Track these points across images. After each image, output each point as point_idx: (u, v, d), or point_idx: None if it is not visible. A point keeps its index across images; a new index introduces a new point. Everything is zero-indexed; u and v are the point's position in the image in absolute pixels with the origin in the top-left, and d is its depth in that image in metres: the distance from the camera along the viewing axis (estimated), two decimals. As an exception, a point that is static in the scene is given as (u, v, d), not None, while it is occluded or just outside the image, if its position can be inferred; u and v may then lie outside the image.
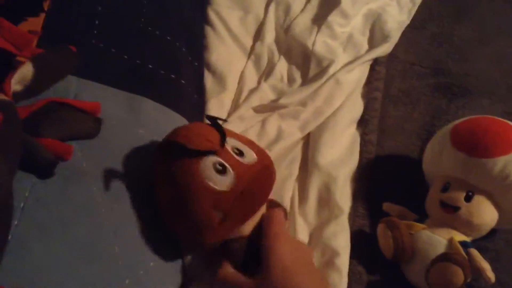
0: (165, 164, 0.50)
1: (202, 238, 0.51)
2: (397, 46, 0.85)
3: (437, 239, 0.59)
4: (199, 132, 0.52)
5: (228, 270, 0.51)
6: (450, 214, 0.60)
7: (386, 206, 0.66)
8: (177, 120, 0.62)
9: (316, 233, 0.63)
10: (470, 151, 0.59)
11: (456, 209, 0.59)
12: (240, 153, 0.53)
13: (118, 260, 0.48)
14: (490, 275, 0.56)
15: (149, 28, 0.67)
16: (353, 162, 0.71)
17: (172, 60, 0.68)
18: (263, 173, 0.54)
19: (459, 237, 0.59)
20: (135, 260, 0.50)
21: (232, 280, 0.51)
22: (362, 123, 0.75)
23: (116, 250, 0.48)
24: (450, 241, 0.58)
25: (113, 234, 0.49)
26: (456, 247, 0.57)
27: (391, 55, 0.84)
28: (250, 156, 0.54)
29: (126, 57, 0.63)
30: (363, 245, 0.64)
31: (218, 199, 0.49)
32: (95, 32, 0.62)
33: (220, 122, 0.53)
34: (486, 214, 0.59)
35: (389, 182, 0.71)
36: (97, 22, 0.63)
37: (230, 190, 0.50)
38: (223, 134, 0.52)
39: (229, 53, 0.79)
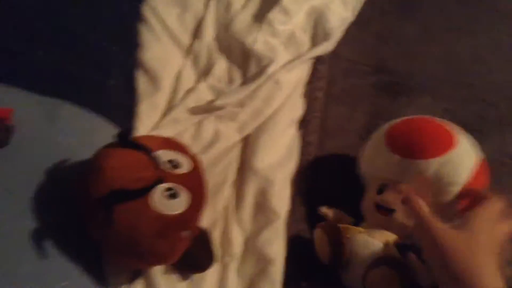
0: (111, 216, 0.46)
1: (172, 261, 0.51)
2: (341, 44, 0.84)
3: (373, 243, 0.57)
4: (130, 165, 0.48)
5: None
6: (385, 216, 0.58)
7: (322, 210, 0.64)
8: (102, 126, 0.59)
9: (251, 240, 0.61)
10: (404, 152, 0.58)
11: (391, 211, 0.58)
12: (177, 165, 0.51)
13: (27, 278, 0.45)
14: (425, 278, 0.54)
15: (72, 27, 0.63)
16: (292, 164, 0.69)
17: (98, 60, 0.64)
18: (202, 172, 0.55)
19: (396, 239, 0.57)
20: (47, 280, 0.46)
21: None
22: (303, 123, 0.73)
23: (25, 269, 0.45)
24: (386, 244, 0.57)
25: (23, 253, 0.45)
26: (392, 251, 0.56)
27: (334, 53, 0.83)
28: (186, 163, 0.52)
29: (44, 58, 0.59)
30: (301, 251, 0.62)
31: (181, 222, 0.49)
32: (14, 33, 0.58)
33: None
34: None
35: (328, 184, 0.69)
36: (16, 22, 0.59)
37: (188, 207, 0.49)
38: (153, 156, 0.49)
39: (165, 52, 0.75)
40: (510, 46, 0.89)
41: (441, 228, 0.46)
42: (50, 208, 0.50)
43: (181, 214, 0.48)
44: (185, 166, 0.51)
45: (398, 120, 0.63)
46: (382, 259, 0.55)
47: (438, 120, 0.61)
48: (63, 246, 0.49)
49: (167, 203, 0.47)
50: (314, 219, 0.64)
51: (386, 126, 0.63)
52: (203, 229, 0.57)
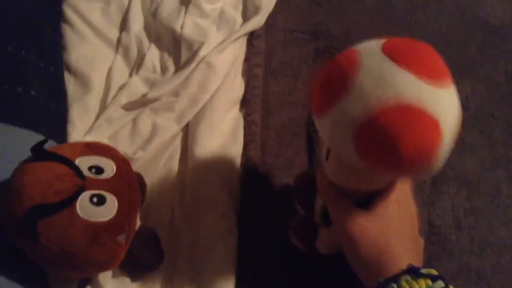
0: (36, 234, 0.44)
1: (114, 266, 0.51)
2: (275, 14, 0.81)
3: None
4: (49, 178, 0.46)
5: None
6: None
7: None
8: (29, 138, 0.56)
9: (197, 232, 0.60)
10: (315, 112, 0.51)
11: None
12: (99, 170, 0.49)
13: None
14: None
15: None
16: (237, 146, 0.67)
17: (17, 71, 0.61)
18: (128, 173, 0.52)
19: None
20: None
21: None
22: (243, 103, 0.71)
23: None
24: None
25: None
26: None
27: (270, 25, 0.80)
28: (109, 166, 0.51)
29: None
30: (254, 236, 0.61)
31: (114, 227, 0.48)
32: None
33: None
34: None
35: (276, 161, 0.68)
36: None
37: (118, 211, 0.48)
38: (73, 164, 0.47)
39: (92, 50, 0.73)
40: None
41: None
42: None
43: (111, 220, 0.47)
44: (109, 170, 0.49)
45: None
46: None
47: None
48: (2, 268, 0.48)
49: (94, 210, 0.46)
50: (263, 200, 0.64)
51: None
52: (147, 228, 0.56)
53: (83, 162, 0.49)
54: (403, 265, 0.41)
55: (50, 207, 0.44)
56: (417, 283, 0.39)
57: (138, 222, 0.54)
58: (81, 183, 0.46)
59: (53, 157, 0.47)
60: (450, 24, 0.85)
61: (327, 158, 0.46)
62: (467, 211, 0.66)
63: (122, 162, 0.52)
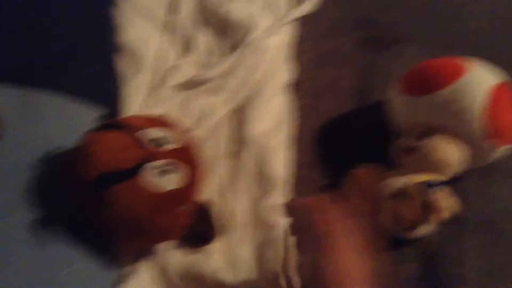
0: (104, 199, 0.45)
1: (175, 237, 0.52)
2: (325, 1, 0.81)
3: (399, 180, 0.56)
4: (116, 148, 0.47)
5: None
6: (409, 156, 0.57)
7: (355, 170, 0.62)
8: (83, 113, 0.57)
9: (253, 209, 0.59)
10: (414, 91, 0.58)
11: (411, 150, 0.57)
12: (165, 142, 0.50)
13: (35, 263, 0.44)
14: (441, 214, 0.53)
15: (46, 16, 0.61)
16: (287, 129, 0.67)
17: (75, 48, 0.61)
18: (191, 146, 0.53)
19: (423, 177, 0.56)
20: (53, 265, 0.46)
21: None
22: (293, 87, 0.71)
23: (30, 258, 0.45)
24: (408, 182, 0.56)
25: (22, 244, 0.45)
26: (410, 187, 0.55)
27: (319, 12, 0.80)
28: (173, 138, 0.51)
29: (19, 50, 0.56)
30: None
31: (176, 197, 0.48)
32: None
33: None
34: (444, 149, 0.56)
35: (327, 145, 0.67)
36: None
37: (182, 182, 0.48)
38: (140, 135, 0.48)
39: (142, 31, 0.73)
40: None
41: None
42: (42, 197, 0.49)
43: (175, 190, 0.47)
44: (174, 142, 0.50)
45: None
46: (392, 194, 0.55)
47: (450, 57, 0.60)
48: (66, 232, 0.48)
49: (159, 180, 0.46)
50: (316, 180, 0.64)
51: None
52: (203, 203, 0.56)
53: (149, 134, 0.49)
54: None
55: (119, 175, 0.44)
56: None
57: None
58: (148, 153, 0.47)
59: (120, 127, 0.48)
60: (494, 23, 0.83)
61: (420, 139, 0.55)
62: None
63: (188, 136, 0.52)
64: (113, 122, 0.49)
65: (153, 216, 0.46)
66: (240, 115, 0.67)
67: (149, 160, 0.47)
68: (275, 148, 0.63)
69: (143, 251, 0.53)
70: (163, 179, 0.47)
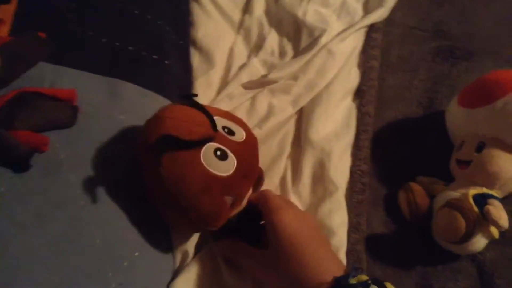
0: (160, 161, 0.46)
1: (214, 225, 0.50)
2: (395, 9, 0.81)
3: (450, 194, 0.57)
4: (188, 119, 0.49)
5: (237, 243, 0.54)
6: (465, 169, 0.58)
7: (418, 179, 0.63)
8: (162, 104, 0.60)
9: (310, 212, 0.61)
10: (471, 103, 0.59)
11: (468, 163, 0.57)
12: (230, 132, 0.52)
13: (99, 252, 0.46)
14: (501, 223, 0.52)
15: (128, 8, 0.64)
16: (349, 135, 0.68)
17: (155, 40, 0.65)
18: (254, 147, 0.54)
19: (477, 190, 0.56)
20: (118, 252, 0.48)
21: (244, 251, 0.53)
22: (359, 94, 0.72)
23: (97, 243, 0.47)
24: (463, 194, 0.56)
25: (93, 226, 0.47)
26: (465, 198, 0.54)
27: (389, 20, 0.80)
28: (240, 133, 0.53)
29: (104, 40, 0.60)
30: (362, 221, 0.61)
31: (226, 185, 0.49)
32: (71, 16, 0.60)
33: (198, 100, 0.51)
34: (501, 161, 0.55)
35: (389, 154, 0.67)
36: (72, 5, 0.61)
37: (235, 172, 0.49)
38: (211, 116, 0.50)
39: (216, 29, 0.76)
40: None
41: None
42: (114, 181, 0.51)
43: (227, 177, 0.48)
44: (239, 136, 0.51)
45: None
46: (447, 202, 0.55)
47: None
48: (132, 218, 0.51)
49: (215, 162, 0.47)
50: (375, 188, 0.64)
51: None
52: (252, 210, 0.56)
53: (220, 121, 0.51)
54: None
55: (180, 142, 0.46)
56: None
57: (245, 203, 0.54)
58: (213, 134, 0.48)
59: (198, 106, 0.50)
60: None
61: (479, 151, 0.56)
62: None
63: (253, 137, 0.54)
64: (195, 102, 0.51)
65: (200, 194, 0.47)
66: (304, 117, 0.68)
67: (215, 140, 0.48)
68: (337, 153, 0.64)
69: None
70: (220, 163, 0.48)
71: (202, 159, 0.47)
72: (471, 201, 0.53)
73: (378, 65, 0.75)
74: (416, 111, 0.72)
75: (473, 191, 0.55)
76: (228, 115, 0.54)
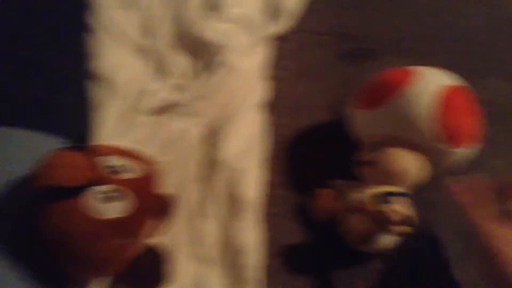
0: (44, 212, 0.44)
1: (112, 270, 0.48)
2: (303, 16, 0.81)
3: (356, 197, 0.56)
4: (72, 165, 0.47)
5: None
6: (367, 170, 0.58)
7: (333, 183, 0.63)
8: (55, 145, 0.56)
9: (225, 233, 0.59)
10: (366, 105, 0.59)
11: (368, 163, 0.57)
12: (123, 170, 0.49)
13: None
14: (393, 218, 0.50)
15: (16, 50, 0.61)
16: (260, 149, 0.66)
17: (45, 76, 0.61)
18: (152, 181, 0.52)
19: (381, 189, 0.55)
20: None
21: None
22: (269, 106, 0.71)
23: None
24: (364, 195, 0.55)
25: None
26: (364, 199, 0.54)
27: (297, 28, 0.80)
28: (134, 169, 0.50)
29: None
30: (278, 235, 0.60)
31: (119, 227, 0.46)
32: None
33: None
34: (399, 158, 0.55)
35: (304, 163, 0.67)
36: None
37: (129, 213, 0.47)
38: (98, 158, 0.47)
39: (117, 56, 0.73)
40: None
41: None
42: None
43: (119, 219, 0.46)
44: (132, 172, 0.49)
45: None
46: (347, 207, 0.56)
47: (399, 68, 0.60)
48: (27, 271, 0.48)
49: (102, 206, 0.45)
50: (290, 201, 0.63)
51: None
52: (160, 249, 0.54)
53: (110, 160, 0.49)
54: None
55: (62, 191, 0.44)
56: None
57: (150, 239, 0.52)
58: (98, 176, 0.46)
59: (82, 148, 0.48)
60: (478, 22, 0.83)
61: (377, 151, 0.56)
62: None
63: (150, 170, 0.51)
64: (77, 145, 0.48)
65: (91, 242, 0.44)
66: (214, 138, 0.66)
67: (96, 184, 0.46)
68: (247, 170, 0.63)
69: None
70: (107, 206, 0.45)
71: (85, 206, 0.44)
72: (371, 201, 0.53)
73: (287, 75, 0.74)
74: (328, 117, 0.72)
75: (373, 190, 0.54)
76: (121, 152, 0.52)
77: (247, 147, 0.65)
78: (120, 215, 0.46)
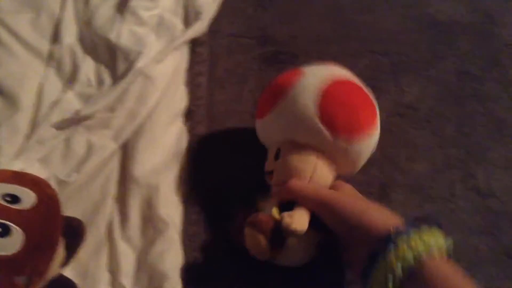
0: None
1: None
2: (219, 19, 0.78)
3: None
4: None
5: None
6: (270, 180, 0.56)
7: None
8: None
9: (142, 257, 0.56)
10: (262, 113, 0.58)
11: (271, 173, 0.55)
12: (15, 200, 0.44)
13: None
14: (293, 228, 0.47)
15: None
16: (179, 164, 0.63)
17: None
18: (50, 210, 0.47)
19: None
20: None
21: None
22: (187, 116, 0.68)
23: None
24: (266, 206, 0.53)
25: None
26: (264, 211, 0.52)
27: (213, 31, 0.77)
28: (28, 198, 0.46)
29: None
30: (201, 257, 0.57)
31: (13, 265, 0.42)
32: None
33: None
34: (296, 162, 0.53)
35: (225, 174, 0.64)
36: None
37: (22, 248, 0.42)
38: None
39: (20, 65, 0.67)
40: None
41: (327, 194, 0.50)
42: None
43: (12, 256, 0.42)
44: (27, 203, 0.45)
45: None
46: (246, 221, 0.51)
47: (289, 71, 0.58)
48: None
49: None
50: (211, 217, 0.60)
51: None
52: (68, 281, 0.51)
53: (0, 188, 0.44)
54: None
55: None
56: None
57: (57, 270, 0.48)
58: None
59: None
60: (399, 23, 0.83)
61: (276, 158, 0.55)
62: (419, 219, 0.64)
63: (47, 198, 0.47)
64: None
65: None
66: (128, 152, 0.62)
67: None
68: (166, 185, 0.60)
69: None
70: (1, 241, 0.41)
71: None
72: (272, 212, 0.50)
73: (205, 81, 0.71)
74: (249, 123, 0.69)
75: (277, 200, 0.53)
76: (13, 178, 0.47)
77: (166, 160, 0.62)
78: (16, 250, 0.42)
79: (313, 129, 0.52)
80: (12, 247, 0.42)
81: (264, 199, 0.56)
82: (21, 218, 0.43)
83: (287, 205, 0.51)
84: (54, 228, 0.46)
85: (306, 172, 0.53)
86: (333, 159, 0.54)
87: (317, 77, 0.54)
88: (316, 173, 0.53)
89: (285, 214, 0.49)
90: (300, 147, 0.53)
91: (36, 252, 0.44)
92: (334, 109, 0.52)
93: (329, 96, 0.52)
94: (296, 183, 0.51)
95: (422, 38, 0.82)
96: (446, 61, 0.79)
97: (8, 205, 0.43)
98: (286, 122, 0.53)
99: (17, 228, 0.43)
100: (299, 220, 0.48)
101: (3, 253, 0.41)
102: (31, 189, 0.47)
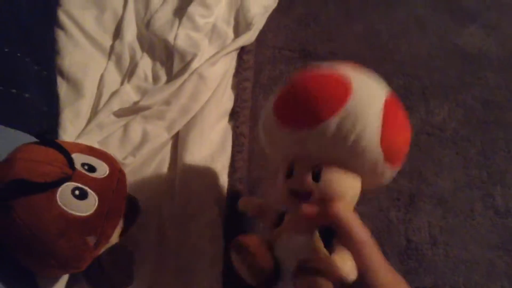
0: (12, 207, 0.43)
1: (77, 267, 0.49)
2: (265, 31, 0.84)
3: (296, 240, 0.46)
4: (42, 160, 0.47)
5: None
6: (305, 202, 0.45)
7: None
8: (23, 140, 0.57)
9: (183, 235, 0.61)
10: (295, 123, 0.46)
11: (308, 195, 0.45)
12: (91, 169, 0.50)
13: None
14: (346, 275, 0.41)
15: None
16: (226, 157, 0.69)
17: (12, 73, 0.61)
18: (119, 182, 0.52)
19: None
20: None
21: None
22: (233, 115, 0.73)
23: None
24: (310, 238, 0.45)
25: None
26: (316, 248, 0.44)
27: (260, 42, 0.83)
28: (102, 169, 0.51)
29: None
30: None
31: (87, 226, 0.47)
32: None
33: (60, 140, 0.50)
34: (343, 186, 0.45)
35: (264, 173, 0.70)
36: None
37: (96, 211, 0.47)
38: (67, 154, 0.48)
39: (85, 56, 0.74)
40: (426, 18, 0.92)
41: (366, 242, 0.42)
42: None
43: (87, 217, 0.47)
44: (101, 172, 0.50)
45: (283, 86, 0.49)
46: (302, 267, 0.41)
47: (327, 69, 0.46)
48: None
49: (74, 202, 0.46)
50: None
51: (273, 97, 0.49)
52: (125, 248, 0.55)
53: (79, 158, 0.49)
54: None
55: (33, 185, 0.44)
56: None
57: (116, 239, 0.53)
58: (69, 173, 0.46)
59: (52, 144, 0.48)
60: (431, 50, 0.89)
61: (316, 179, 0.45)
62: (442, 228, 0.69)
63: (117, 171, 0.52)
64: (50, 140, 0.49)
65: (58, 238, 0.45)
66: (180, 142, 0.68)
67: (72, 180, 0.47)
68: (212, 176, 0.65)
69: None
70: (79, 203, 0.46)
71: (58, 201, 0.45)
72: (323, 249, 0.44)
73: (250, 86, 0.77)
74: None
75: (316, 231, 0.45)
76: (89, 150, 0.52)
77: (213, 153, 0.68)
78: (90, 213, 0.47)
79: (373, 154, 0.44)
80: (87, 209, 0.47)
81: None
82: (96, 186, 0.48)
83: (326, 232, 0.45)
84: (122, 198, 0.52)
85: (348, 196, 0.46)
86: (365, 177, 0.47)
87: (374, 94, 0.45)
88: (355, 196, 0.47)
89: (340, 262, 0.41)
90: (345, 167, 0.45)
91: (106, 217, 0.49)
92: (394, 135, 0.45)
93: (391, 118, 0.45)
94: (345, 213, 0.43)
95: (451, 66, 0.88)
96: (472, 89, 0.85)
97: (86, 173, 0.49)
98: (341, 144, 0.44)
99: (93, 193, 0.48)
100: (351, 268, 0.41)
101: (79, 214, 0.46)
102: (104, 161, 0.52)
